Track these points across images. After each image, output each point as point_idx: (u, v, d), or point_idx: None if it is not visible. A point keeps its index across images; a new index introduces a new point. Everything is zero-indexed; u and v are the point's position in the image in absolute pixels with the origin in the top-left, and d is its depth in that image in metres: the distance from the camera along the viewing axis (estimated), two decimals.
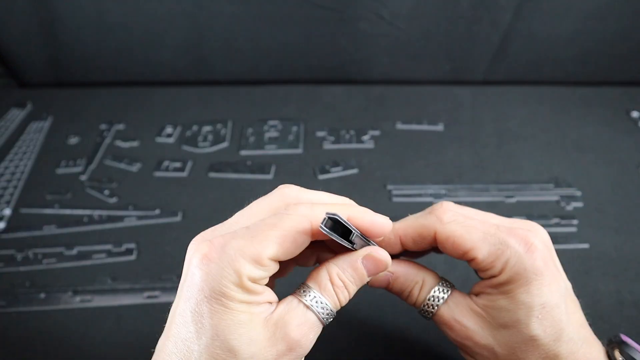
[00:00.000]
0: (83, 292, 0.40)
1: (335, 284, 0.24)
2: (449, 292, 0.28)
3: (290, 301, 0.24)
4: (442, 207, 0.27)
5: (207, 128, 0.58)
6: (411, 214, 0.45)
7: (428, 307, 0.28)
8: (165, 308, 0.39)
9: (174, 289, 0.40)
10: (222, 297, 0.22)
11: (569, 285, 0.27)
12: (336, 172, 0.51)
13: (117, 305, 0.39)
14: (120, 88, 0.66)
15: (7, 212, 0.47)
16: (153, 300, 0.39)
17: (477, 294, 0.27)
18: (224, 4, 0.61)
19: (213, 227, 0.25)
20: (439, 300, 0.27)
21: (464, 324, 0.27)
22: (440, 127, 0.57)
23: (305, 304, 0.24)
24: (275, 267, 0.23)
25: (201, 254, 0.22)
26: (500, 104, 0.61)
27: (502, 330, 0.25)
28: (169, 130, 0.58)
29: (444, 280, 0.29)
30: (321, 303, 0.24)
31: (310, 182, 0.50)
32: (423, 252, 0.31)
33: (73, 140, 0.57)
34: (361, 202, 0.47)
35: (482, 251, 0.26)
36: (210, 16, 0.62)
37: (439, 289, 0.28)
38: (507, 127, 0.57)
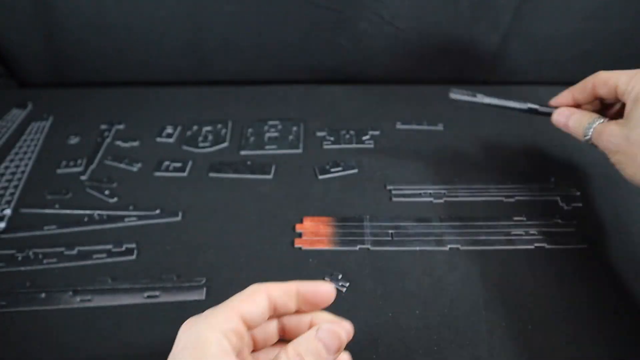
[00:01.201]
0: (83, 292, 0.40)
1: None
2: (602, 120, 0.39)
3: None
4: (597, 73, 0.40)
5: (207, 128, 0.58)
6: (411, 213, 0.46)
7: (586, 131, 0.39)
8: (166, 308, 0.39)
9: (174, 288, 0.40)
10: None
11: None
12: (336, 172, 0.51)
13: (117, 305, 0.39)
14: (120, 88, 0.66)
15: (8, 212, 0.47)
16: (153, 300, 0.39)
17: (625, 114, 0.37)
18: (224, 3, 0.61)
19: None
20: (595, 123, 0.39)
21: (608, 139, 0.37)
22: (440, 127, 0.57)
23: None
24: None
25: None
26: None
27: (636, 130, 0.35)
28: (169, 130, 0.58)
29: (599, 117, 0.39)
30: None
31: (310, 182, 0.50)
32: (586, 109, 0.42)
33: (73, 140, 0.57)
34: (361, 202, 0.48)
35: (621, 80, 0.37)
36: (210, 16, 0.62)
37: (591, 121, 0.39)
38: (506, 127, 0.57)
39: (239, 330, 0.25)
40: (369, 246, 0.43)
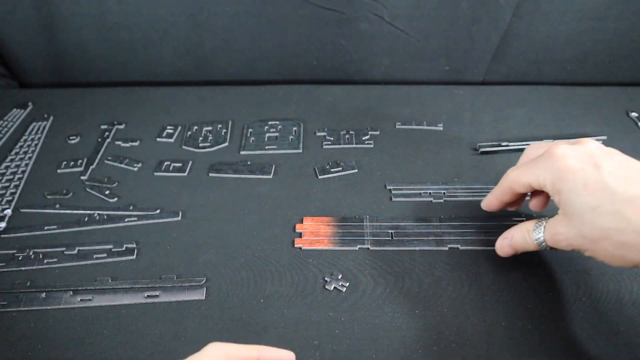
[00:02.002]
0: (83, 292, 0.40)
1: None
2: (544, 223, 0.36)
3: None
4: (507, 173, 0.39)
5: (207, 128, 0.58)
6: (411, 213, 0.46)
7: (538, 242, 0.36)
8: (165, 308, 0.39)
9: (174, 288, 0.40)
10: None
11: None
12: (336, 172, 0.51)
13: (117, 305, 0.39)
14: (120, 88, 0.66)
15: (8, 212, 0.47)
16: (153, 300, 0.39)
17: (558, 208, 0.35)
18: (224, 4, 0.61)
19: None
20: (541, 231, 0.35)
21: (561, 238, 0.34)
22: (439, 127, 0.57)
23: None
24: None
25: None
26: (500, 104, 0.61)
27: (577, 220, 0.32)
28: (169, 130, 0.58)
29: (538, 220, 0.36)
30: None
31: (310, 182, 0.50)
32: (517, 203, 0.42)
33: (73, 140, 0.57)
34: (361, 202, 0.48)
35: (531, 178, 0.36)
36: (210, 16, 0.62)
37: (537, 226, 0.36)
38: (506, 127, 0.57)
39: None
40: (369, 246, 0.43)
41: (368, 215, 0.46)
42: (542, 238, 0.35)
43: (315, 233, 0.44)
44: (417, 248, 0.43)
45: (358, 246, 0.43)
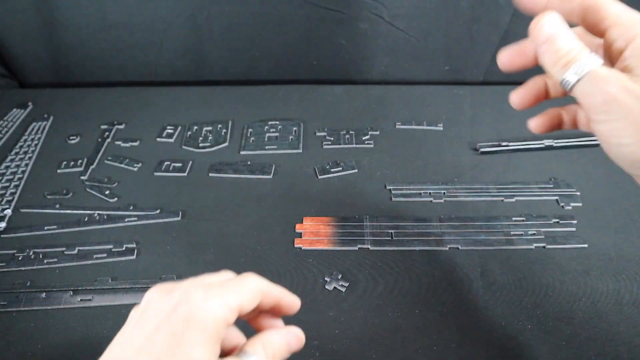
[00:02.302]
0: (83, 292, 0.40)
1: (268, 356, 0.26)
2: (598, 61, 0.26)
3: None
4: None
5: (207, 128, 0.58)
6: (411, 213, 0.46)
7: (563, 81, 0.27)
8: None
9: None
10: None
11: None
12: (336, 172, 0.51)
13: (117, 305, 0.39)
14: (120, 88, 0.66)
15: (8, 212, 0.47)
16: None
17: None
18: (224, 4, 0.61)
19: None
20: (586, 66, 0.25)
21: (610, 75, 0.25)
22: (439, 127, 0.57)
23: None
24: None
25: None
26: (500, 104, 0.61)
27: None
28: (169, 130, 0.58)
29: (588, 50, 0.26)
30: None
31: (310, 182, 0.50)
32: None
33: (73, 140, 0.57)
34: (361, 202, 0.48)
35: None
36: (210, 16, 0.62)
37: (588, 58, 0.26)
38: (506, 127, 0.57)
39: (231, 319, 0.25)
40: (369, 246, 0.43)
41: (368, 215, 0.46)
42: (583, 73, 0.25)
43: (315, 233, 0.44)
44: (417, 248, 0.43)
45: (358, 246, 0.43)
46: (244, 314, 0.26)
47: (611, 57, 0.27)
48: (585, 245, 0.43)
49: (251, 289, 0.26)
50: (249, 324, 0.28)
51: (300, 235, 0.44)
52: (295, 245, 0.43)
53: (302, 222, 0.45)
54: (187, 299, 0.24)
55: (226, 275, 0.28)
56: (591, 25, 0.27)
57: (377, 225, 0.45)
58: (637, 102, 0.24)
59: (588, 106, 0.26)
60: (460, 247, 0.43)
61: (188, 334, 0.23)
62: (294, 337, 0.28)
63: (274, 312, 0.28)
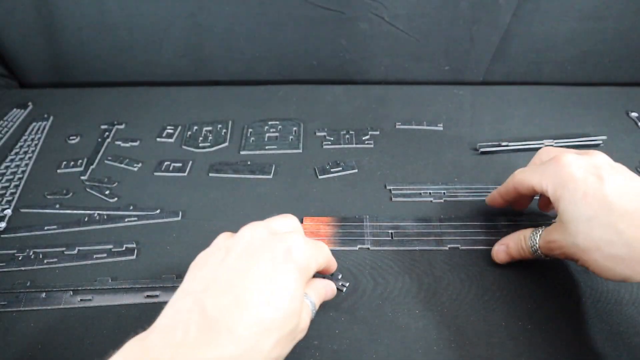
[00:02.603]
0: (83, 292, 0.40)
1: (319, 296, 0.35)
2: (540, 232, 0.37)
3: None
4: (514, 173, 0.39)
5: (207, 128, 0.58)
6: (411, 213, 0.46)
7: (533, 248, 0.37)
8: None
9: (174, 288, 0.40)
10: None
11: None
12: (336, 172, 0.51)
13: (117, 305, 0.39)
14: (120, 88, 0.66)
15: (8, 212, 0.47)
16: (153, 300, 0.39)
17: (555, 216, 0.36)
18: (224, 4, 0.61)
19: None
20: (536, 238, 0.37)
21: (555, 246, 0.35)
22: (439, 127, 0.57)
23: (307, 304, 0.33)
24: None
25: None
26: (500, 104, 0.61)
27: (572, 229, 0.33)
28: (169, 130, 0.58)
29: (535, 228, 0.37)
30: (313, 304, 0.34)
31: (310, 182, 0.50)
32: (522, 204, 0.43)
33: (73, 140, 0.57)
34: (361, 202, 0.48)
35: (534, 181, 0.37)
36: (210, 16, 0.62)
37: (533, 233, 0.37)
38: (506, 127, 0.57)
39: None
40: (369, 246, 0.43)
41: (368, 215, 0.46)
42: (537, 245, 0.36)
43: (316, 233, 0.44)
44: (417, 248, 0.43)
45: (358, 246, 0.43)
46: (321, 268, 0.34)
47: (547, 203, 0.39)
48: None
49: (329, 255, 0.35)
50: None
51: None
52: None
53: (302, 222, 0.45)
54: (290, 240, 0.30)
55: (293, 220, 0.35)
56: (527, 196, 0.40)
57: (377, 225, 0.45)
58: (577, 249, 0.33)
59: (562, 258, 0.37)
60: (460, 247, 0.43)
61: (286, 264, 0.29)
62: (330, 287, 0.36)
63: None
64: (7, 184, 0.51)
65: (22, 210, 0.48)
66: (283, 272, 0.29)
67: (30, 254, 0.43)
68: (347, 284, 0.40)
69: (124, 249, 0.43)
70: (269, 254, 0.29)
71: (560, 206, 0.34)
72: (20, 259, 0.43)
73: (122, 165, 0.53)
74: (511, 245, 0.39)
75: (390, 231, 0.44)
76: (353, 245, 0.43)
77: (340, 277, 0.40)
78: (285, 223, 0.34)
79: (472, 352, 0.35)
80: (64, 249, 0.43)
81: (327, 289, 0.36)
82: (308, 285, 0.34)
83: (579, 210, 0.32)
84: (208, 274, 0.29)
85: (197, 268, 0.31)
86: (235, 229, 0.45)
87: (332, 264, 0.36)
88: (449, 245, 0.43)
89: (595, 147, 0.54)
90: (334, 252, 0.42)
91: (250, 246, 0.30)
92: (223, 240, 0.32)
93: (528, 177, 0.37)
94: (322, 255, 0.34)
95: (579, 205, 0.32)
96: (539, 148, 0.51)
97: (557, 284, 0.39)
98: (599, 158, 0.35)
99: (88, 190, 0.50)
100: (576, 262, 0.34)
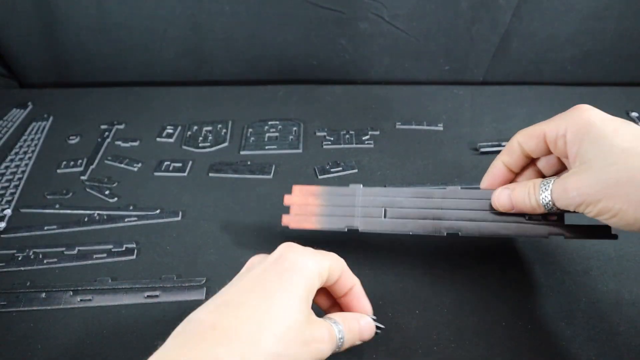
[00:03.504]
0: (83, 292, 0.40)
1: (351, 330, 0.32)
2: (553, 179, 0.33)
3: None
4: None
5: (207, 128, 0.58)
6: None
7: (546, 205, 0.33)
8: (166, 308, 0.39)
9: (174, 288, 0.40)
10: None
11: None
12: (336, 172, 0.51)
13: (117, 305, 0.39)
14: (120, 88, 0.66)
15: (8, 212, 0.47)
16: (153, 300, 0.39)
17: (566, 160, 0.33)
18: (224, 4, 0.61)
19: None
20: (548, 188, 0.33)
21: (570, 195, 0.31)
22: (439, 127, 0.57)
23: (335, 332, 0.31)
24: None
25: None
26: (500, 104, 0.61)
27: (587, 172, 0.30)
28: (169, 130, 0.58)
29: (546, 178, 0.34)
30: (341, 336, 0.31)
31: (310, 182, 0.50)
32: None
33: (73, 140, 0.57)
34: None
35: (549, 127, 0.34)
36: (210, 16, 0.62)
37: (543, 185, 0.33)
38: (506, 127, 0.57)
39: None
40: (359, 226, 0.38)
41: (362, 184, 0.40)
42: (549, 193, 0.32)
43: (304, 207, 0.40)
44: (411, 232, 0.38)
45: (346, 227, 0.39)
46: (333, 277, 0.31)
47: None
48: (585, 245, 0.43)
49: (337, 258, 0.32)
50: (339, 302, 0.34)
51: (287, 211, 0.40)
52: (282, 224, 0.39)
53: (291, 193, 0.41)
54: (287, 254, 0.29)
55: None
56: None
57: (371, 199, 0.39)
58: (603, 187, 0.29)
59: (574, 208, 0.32)
60: (460, 234, 0.37)
61: (292, 275, 0.28)
62: (366, 322, 0.33)
63: (349, 305, 0.33)
64: (7, 184, 0.51)
65: (22, 210, 0.48)
66: (290, 284, 0.28)
67: (30, 254, 0.43)
68: (383, 327, 0.34)
69: (124, 249, 0.43)
70: (274, 269, 0.29)
71: (583, 147, 0.30)
72: (20, 259, 0.43)
73: (122, 165, 0.53)
74: (517, 191, 0.35)
75: (383, 208, 0.39)
76: (340, 224, 0.39)
77: (375, 318, 0.35)
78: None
79: (472, 352, 0.35)
80: (63, 249, 0.43)
81: (361, 324, 0.32)
82: (337, 314, 0.32)
83: (610, 144, 0.29)
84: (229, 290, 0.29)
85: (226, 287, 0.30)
86: (235, 229, 0.46)
87: (352, 281, 0.33)
88: (447, 232, 0.37)
89: None
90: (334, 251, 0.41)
91: (254, 269, 0.30)
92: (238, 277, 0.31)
93: (539, 127, 0.34)
94: (328, 259, 0.31)
95: (610, 138, 0.29)
96: None
97: (557, 284, 0.39)
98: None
99: (88, 190, 0.50)
100: (594, 207, 0.30)
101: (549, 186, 0.32)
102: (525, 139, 0.35)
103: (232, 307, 0.27)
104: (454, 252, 0.42)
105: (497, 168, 0.37)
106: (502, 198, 0.35)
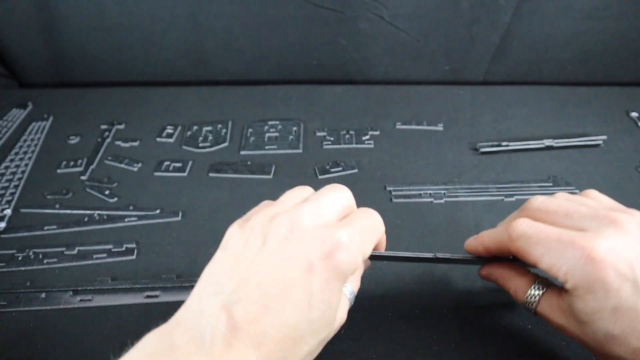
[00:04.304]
0: (83, 292, 0.40)
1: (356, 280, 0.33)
2: (543, 290, 0.30)
3: None
4: (514, 224, 0.30)
5: (207, 128, 0.58)
6: (411, 215, 0.46)
7: (527, 305, 0.31)
8: (166, 308, 0.39)
9: (174, 288, 0.40)
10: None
11: None
12: (336, 172, 0.51)
13: (117, 305, 0.39)
14: (120, 88, 0.66)
15: (8, 212, 0.47)
16: (153, 300, 0.39)
17: (566, 291, 0.28)
18: (224, 4, 0.61)
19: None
20: (534, 298, 0.30)
21: (555, 320, 0.29)
22: (440, 127, 0.57)
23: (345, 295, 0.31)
24: None
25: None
26: (500, 104, 0.61)
27: (586, 326, 0.27)
28: (169, 130, 0.58)
29: (539, 279, 0.31)
30: (352, 292, 0.32)
31: (310, 182, 0.50)
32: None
33: (73, 140, 0.57)
34: (361, 203, 0.47)
35: (543, 264, 0.28)
36: (210, 16, 0.62)
37: (534, 288, 0.30)
38: (506, 127, 0.57)
39: None
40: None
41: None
42: (535, 305, 0.30)
43: None
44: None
45: None
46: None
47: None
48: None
49: (381, 232, 0.30)
50: None
51: None
52: None
53: None
54: (336, 238, 0.26)
55: (343, 196, 0.29)
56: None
57: None
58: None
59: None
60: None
61: (327, 272, 0.25)
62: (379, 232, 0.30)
63: None
64: (7, 184, 0.51)
65: (22, 210, 0.48)
66: (322, 281, 0.25)
67: (30, 254, 0.43)
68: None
69: (124, 249, 0.43)
70: (307, 256, 0.25)
71: (578, 305, 0.27)
72: (20, 259, 0.43)
73: (122, 165, 0.53)
74: (500, 281, 0.33)
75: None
76: None
77: None
78: (334, 202, 0.29)
79: (472, 352, 0.35)
80: (63, 249, 0.43)
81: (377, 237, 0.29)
82: None
83: (603, 324, 0.26)
84: (241, 271, 0.26)
85: (232, 253, 0.28)
86: None
87: (383, 240, 0.32)
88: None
89: (595, 147, 0.54)
90: None
91: (288, 240, 0.26)
92: (262, 217, 0.29)
93: (533, 250, 0.28)
94: (372, 238, 0.28)
95: (605, 318, 0.26)
96: (539, 148, 0.50)
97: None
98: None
99: (88, 190, 0.50)
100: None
101: (536, 297, 0.30)
102: (517, 252, 0.30)
103: (262, 311, 0.25)
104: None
105: (479, 244, 0.33)
106: (485, 275, 0.34)
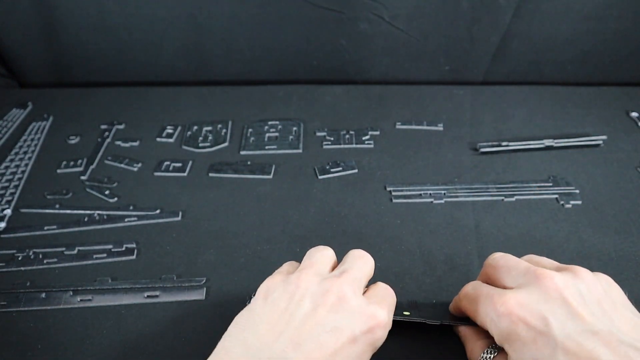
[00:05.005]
0: (83, 292, 0.40)
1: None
2: (494, 354, 0.31)
3: None
4: (464, 287, 0.33)
5: (207, 128, 0.58)
6: (411, 215, 0.46)
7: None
8: (166, 308, 0.39)
9: (174, 288, 0.40)
10: None
11: (569, 330, 0.26)
12: (336, 172, 0.51)
13: (117, 305, 0.39)
14: (120, 88, 0.66)
15: (8, 212, 0.47)
16: (153, 300, 0.39)
17: None
18: (224, 4, 0.61)
19: None
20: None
21: None
22: (440, 127, 0.57)
23: None
24: None
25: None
26: (500, 104, 0.61)
27: None
28: (169, 130, 0.58)
29: (494, 344, 0.31)
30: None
31: (310, 182, 0.50)
32: None
33: (73, 140, 0.57)
34: (361, 203, 0.48)
35: (478, 321, 0.31)
36: (210, 16, 0.62)
37: (487, 351, 0.31)
38: (506, 127, 0.57)
39: None
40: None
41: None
42: None
43: None
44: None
45: None
46: None
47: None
48: (585, 245, 0.43)
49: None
50: None
51: None
52: None
53: None
54: (375, 318, 0.29)
55: (368, 267, 0.32)
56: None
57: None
58: None
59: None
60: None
61: (369, 353, 0.29)
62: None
63: None
64: (7, 184, 0.51)
65: (22, 210, 0.48)
66: (360, 351, 0.28)
67: (30, 254, 0.43)
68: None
69: (124, 249, 0.43)
70: (353, 330, 0.28)
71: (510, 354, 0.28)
72: (20, 259, 0.43)
73: (122, 165, 0.53)
74: (463, 342, 0.34)
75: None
76: None
77: None
78: (364, 273, 0.32)
79: None
80: (63, 249, 0.43)
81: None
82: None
83: None
84: (290, 332, 0.27)
85: (275, 307, 0.29)
86: (235, 229, 0.46)
87: None
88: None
89: (595, 147, 0.54)
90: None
91: (336, 310, 0.28)
92: (306, 277, 0.30)
93: (472, 308, 0.31)
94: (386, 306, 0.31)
95: None
96: (539, 148, 0.50)
97: None
98: (562, 292, 0.28)
99: (88, 190, 0.50)
100: None
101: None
102: (465, 311, 0.32)
103: None
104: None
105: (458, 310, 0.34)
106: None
